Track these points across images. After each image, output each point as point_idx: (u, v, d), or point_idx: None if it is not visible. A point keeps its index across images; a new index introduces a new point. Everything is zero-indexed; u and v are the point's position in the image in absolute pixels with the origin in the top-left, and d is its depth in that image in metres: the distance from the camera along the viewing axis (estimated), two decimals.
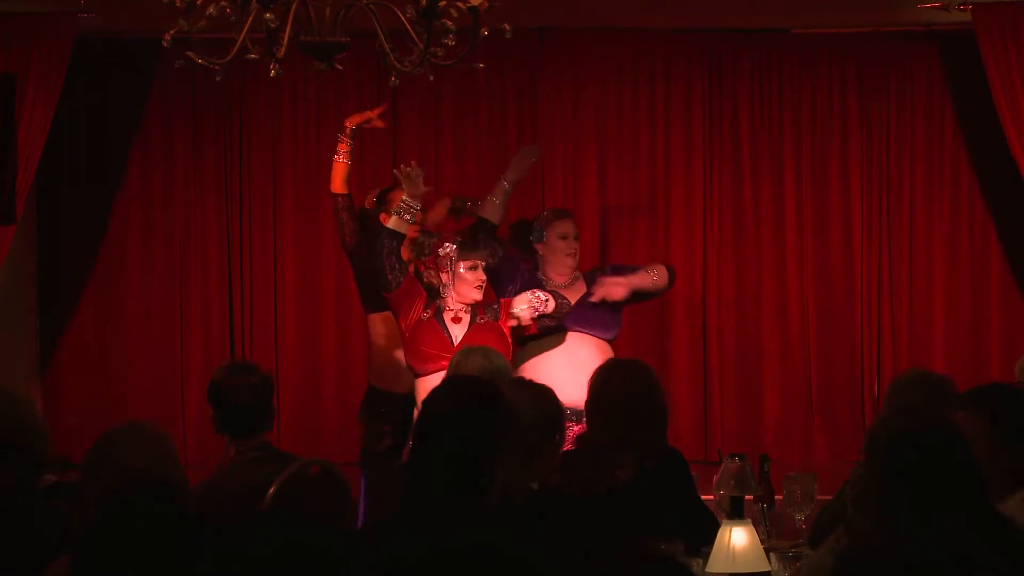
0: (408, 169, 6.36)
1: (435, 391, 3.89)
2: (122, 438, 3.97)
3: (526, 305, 6.45)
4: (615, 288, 6.72)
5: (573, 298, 6.70)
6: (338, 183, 6.87)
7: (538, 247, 6.89)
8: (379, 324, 7.01)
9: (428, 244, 6.57)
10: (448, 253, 6.47)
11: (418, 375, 6.49)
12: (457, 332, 6.45)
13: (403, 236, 6.39)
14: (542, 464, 4.60)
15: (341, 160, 6.85)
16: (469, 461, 3.70)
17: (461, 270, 6.46)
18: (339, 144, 6.85)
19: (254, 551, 2.90)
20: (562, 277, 6.87)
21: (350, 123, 6.90)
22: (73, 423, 8.61)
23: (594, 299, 6.70)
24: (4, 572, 3.88)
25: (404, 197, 6.39)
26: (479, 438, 3.73)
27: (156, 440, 4.00)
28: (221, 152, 9.15)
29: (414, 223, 6.43)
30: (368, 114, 7.00)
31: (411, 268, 6.61)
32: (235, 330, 9.16)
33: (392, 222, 6.37)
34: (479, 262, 6.48)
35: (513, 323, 6.49)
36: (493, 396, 3.83)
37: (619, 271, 6.91)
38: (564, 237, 6.88)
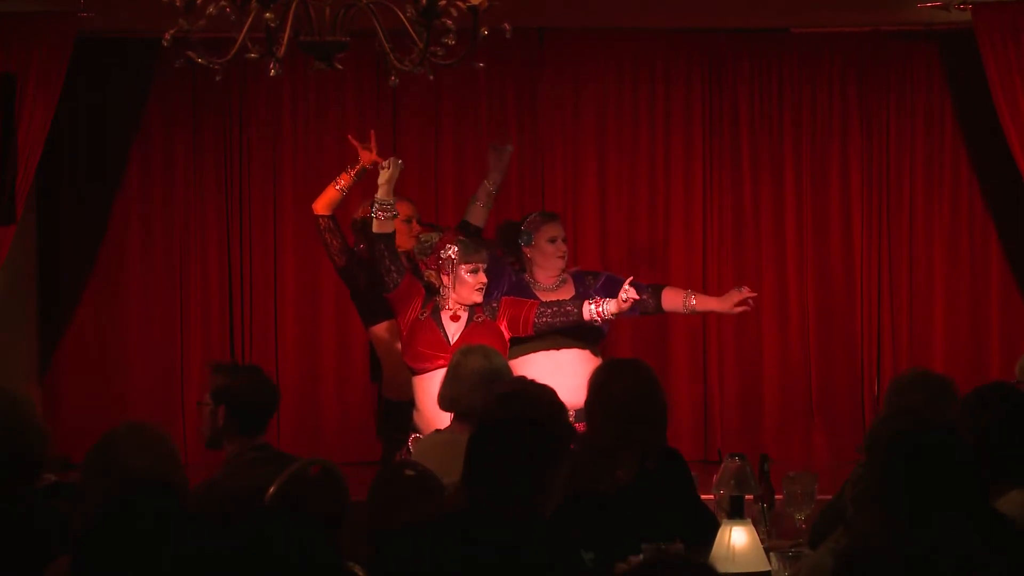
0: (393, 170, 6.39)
1: (503, 404, 3.85)
2: (123, 439, 3.98)
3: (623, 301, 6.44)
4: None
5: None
6: (322, 205, 6.78)
7: (527, 250, 6.90)
8: (380, 336, 7.01)
9: (430, 244, 6.59)
10: (450, 256, 6.48)
11: (414, 373, 6.50)
12: (454, 331, 6.46)
13: (391, 235, 6.42)
14: None
15: (337, 188, 6.78)
16: (531, 476, 3.70)
17: (463, 273, 6.47)
18: (343, 174, 6.79)
19: (254, 551, 2.90)
20: (550, 279, 6.89)
21: (366, 161, 6.74)
22: (73, 423, 8.61)
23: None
24: (4, 572, 3.88)
25: (375, 198, 6.41)
26: (543, 454, 3.73)
27: (156, 440, 4.00)
28: (221, 152, 9.14)
29: (396, 217, 6.46)
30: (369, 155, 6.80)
31: (409, 267, 6.63)
32: (235, 330, 9.15)
33: (374, 226, 6.41)
34: (481, 265, 6.50)
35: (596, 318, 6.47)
36: (557, 411, 3.84)
37: (614, 283, 6.86)
38: (553, 240, 6.89)
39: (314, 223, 6.86)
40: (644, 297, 6.75)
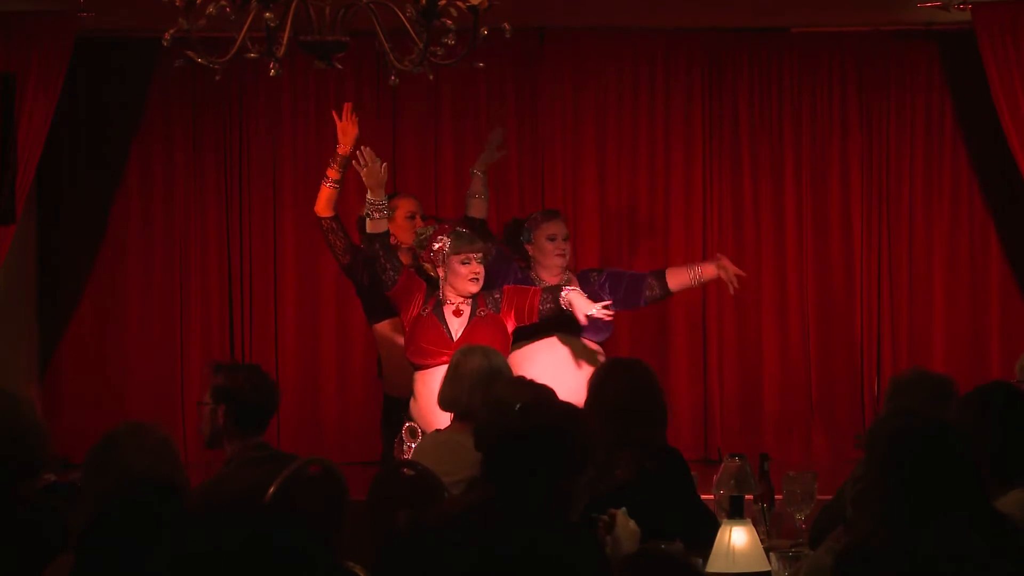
0: (372, 166, 6.41)
1: (525, 416, 3.86)
2: (124, 439, 3.97)
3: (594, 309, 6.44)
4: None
5: None
6: (321, 205, 6.78)
7: (528, 248, 6.91)
8: (383, 333, 7.02)
9: (425, 237, 6.60)
10: (441, 247, 6.49)
11: (417, 368, 6.50)
12: (457, 326, 6.46)
13: (385, 234, 6.42)
14: None
15: (329, 185, 6.77)
16: (557, 487, 3.74)
17: (455, 264, 6.47)
18: (328, 170, 6.78)
19: (254, 551, 2.90)
20: (554, 278, 6.89)
21: (343, 149, 6.75)
22: (73, 423, 8.61)
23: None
24: (4, 572, 3.88)
25: (367, 198, 6.43)
26: (568, 467, 3.76)
27: (158, 441, 4.00)
28: (221, 152, 9.14)
29: (389, 217, 6.47)
30: (349, 129, 6.79)
31: (408, 262, 6.64)
32: (235, 330, 9.15)
33: (368, 226, 6.42)
34: (472, 255, 6.49)
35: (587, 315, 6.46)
36: (580, 421, 3.86)
37: (617, 277, 6.88)
38: (553, 238, 6.90)
39: (317, 225, 6.87)
40: (650, 294, 6.83)
